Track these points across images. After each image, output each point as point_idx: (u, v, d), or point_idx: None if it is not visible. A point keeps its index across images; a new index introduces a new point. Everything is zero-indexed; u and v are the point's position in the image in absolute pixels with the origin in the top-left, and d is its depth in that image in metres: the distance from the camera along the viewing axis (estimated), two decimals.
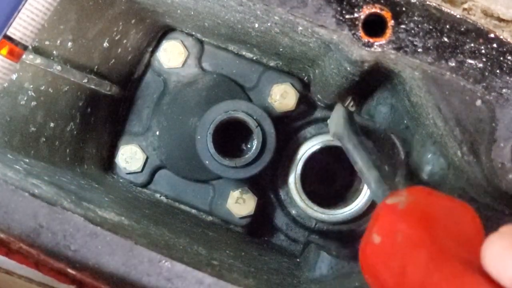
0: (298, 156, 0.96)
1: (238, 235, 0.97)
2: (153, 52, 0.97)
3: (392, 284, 0.42)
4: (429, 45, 0.64)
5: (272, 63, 0.96)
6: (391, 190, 0.55)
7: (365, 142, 0.69)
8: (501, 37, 0.63)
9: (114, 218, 0.70)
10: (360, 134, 0.71)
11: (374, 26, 0.64)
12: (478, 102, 0.64)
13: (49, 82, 0.77)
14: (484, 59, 0.63)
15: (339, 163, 1.00)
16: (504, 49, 0.63)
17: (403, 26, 0.64)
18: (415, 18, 0.64)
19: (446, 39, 0.64)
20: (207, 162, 0.88)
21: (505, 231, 0.36)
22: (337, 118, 0.75)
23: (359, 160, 0.64)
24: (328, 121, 0.80)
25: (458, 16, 0.64)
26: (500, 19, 0.65)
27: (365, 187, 0.93)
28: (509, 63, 0.63)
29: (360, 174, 0.63)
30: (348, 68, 0.69)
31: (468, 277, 0.37)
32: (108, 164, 0.97)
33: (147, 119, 0.98)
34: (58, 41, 0.77)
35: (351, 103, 0.96)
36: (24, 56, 0.68)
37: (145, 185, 0.98)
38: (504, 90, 0.63)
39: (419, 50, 0.64)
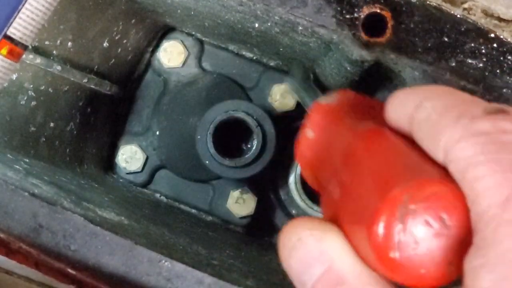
0: None
1: (238, 235, 0.97)
2: (153, 52, 0.97)
3: (316, 167, 0.47)
4: (429, 45, 0.64)
5: (272, 63, 0.96)
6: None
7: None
8: (502, 37, 0.63)
9: (114, 218, 0.70)
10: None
11: (374, 26, 0.64)
12: None
13: (49, 82, 0.77)
14: (484, 59, 0.63)
15: None
16: (505, 49, 0.63)
17: (403, 26, 0.64)
18: (415, 18, 0.64)
19: (446, 39, 0.64)
20: (207, 162, 0.88)
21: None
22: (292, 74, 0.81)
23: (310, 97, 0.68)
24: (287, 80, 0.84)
25: (458, 16, 0.64)
26: (501, 19, 0.65)
27: None
28: (510, 63, 0.63)
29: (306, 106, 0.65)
30: (348, 68, 0.69)
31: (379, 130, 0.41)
32: (108, 164, 0.97)
33: (147, 119, 0.98)
34: (58, 41, 0.77)
35: None
36: (24, 56, 0.68)
37: (145, 185, 0.98)
38: (504, 90, 0.63)
39: (419, 50, 0.64)
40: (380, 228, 0.32)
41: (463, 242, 0.32)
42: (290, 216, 0.98)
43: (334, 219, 0.38)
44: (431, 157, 0.35)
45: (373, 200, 0.34)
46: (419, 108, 0.36)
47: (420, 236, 0.32)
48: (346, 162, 0.41)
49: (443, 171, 0.34)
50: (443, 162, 0.34)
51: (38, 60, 0.74)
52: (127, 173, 0.97)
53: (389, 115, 0.40)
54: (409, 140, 0.38)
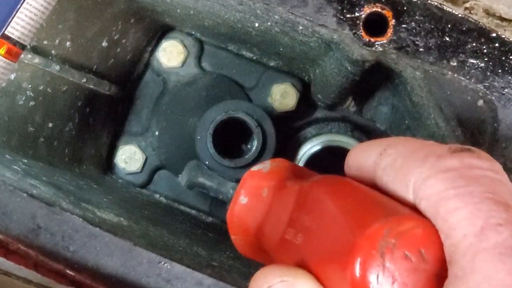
0: (298, 156, 0.96)
1: None
2: (152, 51, 0.97)
3: (258, 231, 0.47)
4: (430, 44, 0.63)
5: (272, 63, 0.96)
6: None
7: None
8: (503, 36, 0.63)
9: (113, 219, 0.70)
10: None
11: (375, 26, 0.64)
12: (480, 102, 0.63)
13: (47, 82, 0.77)
14: (486, 59, 0.63)
15: (339, 163, 1.00)
16: (506, 49, 0.63)
17: (404, 25, 0.63)
18: (417, 17, 0.63)
19: (447, 39, 0.63)
20: (207, 162, 0.88)
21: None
22: (188, 169, 0.85)
23: (213, 183, 0.71)
24: (180, 178, 0.89)
25: (459, 15, 0.63)
26: (502, 18, 0.65)
27: None
28: (511, 62, 0.63)
29: (221, 194, 0.69)
30: (349, 68, 0.69)
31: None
32: (107, 164, 0.97)
33: (147, 119, 0.98)
34: (57, 41, 0.76)
35: (352, 103, 0.95)
36: (22, 56, 0.68)
37: (145, 185, 0.98)
38: (506, 90, 0.62)
39: (421, 49, 0.63)
40: (359, 264, 0.32)
41: (439, 276, 0.33)
42: None
43: (302, 265, 0.38)
44: (398, 198, 0.36)
45: (349, 238, 0.34)
46: (383, 155, 0.38)
47: (399, 270, 0.32)
48: (304, 209, 0.42)
49: (414, 210, 0.35)
50: (413, 201, 0.35)
51: (37, 60, 0.74)
52: (126, 174, 0.97)
53: (349, 164, 0.43)
54: (369, 186, 0.39)
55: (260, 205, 0.47)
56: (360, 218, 0.35)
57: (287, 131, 0.97)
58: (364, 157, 0.40)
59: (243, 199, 0.48)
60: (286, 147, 0.97)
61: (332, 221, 0.38)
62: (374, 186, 0.39)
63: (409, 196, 0.35)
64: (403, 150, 0.37)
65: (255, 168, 0.50)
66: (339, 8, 0.64)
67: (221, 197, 0.66)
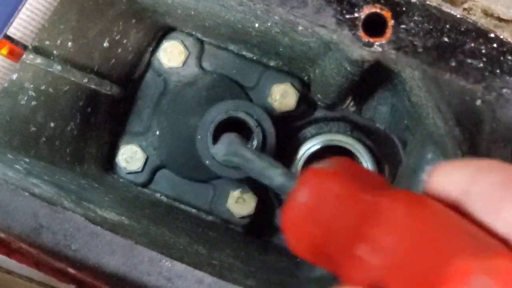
0: (298, 156, 0.96)
1: (238, 235, 0.97)
2: (153, 52, 0.97)
3: (317, 234, 0.44)
4: (429, 45, 0.64)
5: (272, 63, 0.96)
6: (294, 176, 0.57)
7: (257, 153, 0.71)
8: (502, 37, 0.63)
9: (114, 218, 0.70)
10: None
11: (374, 26, 0.64)
12: (478, 102, 0.64)
13: (49, 82, 0.77)
14: (484, 59, 0.63)
15: None
16: (505, 49, 0.63)
17: (403, 26, 0.64)
18: (415, 18, 0.64)
19: (446, 39, 0.64)
20: (207, 162, 0.88)
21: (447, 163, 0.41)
22: (227, 143, 0.78)
23: (262, 162, 0.63)
24: (212, 151, 0.82)
25: (458, 16, 0.64)
26: (501, 19, 0.65)
27: None
28: (510, 63, 0.63)
29: (263, 177, 0.62)
30: (348, 68, 0.69)
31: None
32: (108, 164, 0.97)
33: (148, 119, 0.98)
34: (59, 41, 0.77)
35: (351, 103, 0.96)
36: (24, 56, 0.68)
37: (145, 184, 0.98)
38: (504, 90, 0.63)
39: (419, 50, 0.64)
40: None
41: None
42: None
43: (377, 285, 0.37)
44: (487, 229, 0.35)
45: (436, 269, 0.33)
46: (474, 180, 0.37)
47: None
48: (381, 227, 0.39)
49: (504, 243, 0.34)
50: (505, 235, 0.34)
51: (38, 60, 0.74)
52: (128, 173, 0.97)
53: (433, 185, 0.40)
54: (454, 210, 0.38)
55: (322, 207, 0.44)
56: (449, 247, 0.34)
57: (287, 131, 0.97)
58: (451, 179, 0.39)
59: (303, 197, 0.45)
60: (286, 147, 0.97)
61: (417, 247, 0.36)
62: (458, 210, 0.38)
63: (501, 229, 0.34)
64: (497, 177, 0.36)
65: (318, 165, 0.47)
66: (339, 8, 0.64)
67: (264, 181, 0.61)
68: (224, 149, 0.78)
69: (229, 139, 0.78)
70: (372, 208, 0.41)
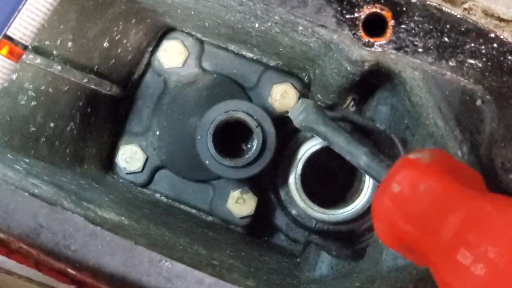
0: (298, 156, 0.96)
1: (238, 235, 0.97)
2: (153, 52, 0.97)
3: (409, 229, 0.43)
4: (429, 45, 0.64)
5: (272, 63, 0.96)
6: (383, 162, 0.55)
7: (341, 126, 0.67)
8: (502, 37, 0.63)
9: (114, 218, 0.70)
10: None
11: (375, 26, 0.64)
12: (479, 102, 0.64)
13: (49, 82, 0.77)
14: (484, 59, 0.63)
15: (339, 163, 1.00)
16: (505, 49, 0.63)
17: (403, 26, 0.64)
18: (416, 18, 0.64)
19: (446, 39, 0.64)
20: (207, 162, 0.88)
21: None
22: (304, 109, 0.72)
23: (343, 140, 0.61)
24: (289, 114, 0.76)
25: (458, 16, 0.64)
26: (501, 19, 0.65)
27: (365, 187, 0.93)
28: (510, 62, 0.63)
29: (346, 153, 0.60)
30: (349, 68, 0.69)
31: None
32: (108, 164, 0.97)
33: (147, 119, 0.98)
34: (58, 41, 0.77)
35: (351, 103, 0.96)
36: (24, 56, 0.68)
37: (145, 185, 0.98)
38: (504, 90, 0.63)
39: (420, 50, 0.64)
40: None
41: None
42: (290, 216, 0.98)
43: None
44: None
45: None
46: None
47: None
48: (487, 237, 0.38)
49: None
50: None
51: (38, 60, 0.74)
52: (127, 173, 0.97)
53: None
54: None
55: (415, 200, 0.43)
56: None
57: (287, 131, 0.97)
58: None
59: (395, 187, 0.44)
60: (286, 147, 0.97)
61: None
62: None
63: None
64: None
65: (412, 156, 0.46)
66: (339, 8, 0.64)
67: (345, 156, 0.59)
68: (300, 118, 0.72)
69: (306, 105, 0.71)
70: (475, 211, 0.40)
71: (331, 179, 1.04)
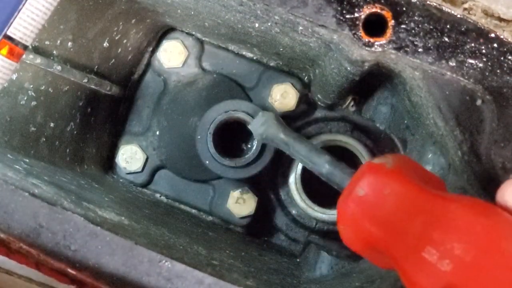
0: None
1: (238, 235, 0.97)
2: (153, 52, 0.97)
3: (375, 231, 0.44)
4: (429, 45, 0.64)
5: (272, 63, 0.96)
6: (345, 169, 0.56)
7: (301, 136, 0.66)
8: (502, 36, 0.63)
9: (114, 218, 0.70)
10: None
11: (375, 26, 0.64)
12: (479, 102, 0.64)
13: (49, 82, 0.77)
14: (484, 59, 0.63)
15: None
16: (505, 49, 0.63)
17: (403, 26, 0.64)
18: (416, 18, 0.63)
19: (446, 39, 0.64)
20: (207, 162, 0.88)
21: None
22: (265, 121, 0.71)
23: (304, 149, 0.61)
24: (250, 126, 0.75)
25: (458, 16, 0.64)
26: (501, 19, 0.65)
27: None
28: (510, 62, 0.63)
29: (308, 162, 0.60)
30: (349, 68, 0.69)
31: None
32: (108, 164, 0.97)
33: (147, 119, 0.98)
34: (58, 41, 0.77)
35: (351, 103, 0.96)
36: (24, 56, 0.68)
37: (145, 185, 0.98)
38: (504, 90, 0.63)
39: (420, 50, 0.64)
40: None
41: None
42: (290, 216, 0.98)
43: None
44: None
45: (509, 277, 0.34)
46: None
47: None
48: (451, 234, 0.40)
49: None
50: None
51: (38, 60, 0.74)
52: (127, 173, 0.97)
53: (504, 198, 0.42)
54: None
55: (380, 203, 0.44)
56: None
57: None
58: None
59: (360, 190, 0.45)
60: None
61: (488, 255, 0.37)
62: None
63: None
64: None
65: (376, 161, 0.47)
66: (339, 8, 0.64)
67: (308, 166, 0.59)
68: (260, 130, 0.72)
69: (266, 118, 0.71)
70: (439, 211, 0.41)
71: None
